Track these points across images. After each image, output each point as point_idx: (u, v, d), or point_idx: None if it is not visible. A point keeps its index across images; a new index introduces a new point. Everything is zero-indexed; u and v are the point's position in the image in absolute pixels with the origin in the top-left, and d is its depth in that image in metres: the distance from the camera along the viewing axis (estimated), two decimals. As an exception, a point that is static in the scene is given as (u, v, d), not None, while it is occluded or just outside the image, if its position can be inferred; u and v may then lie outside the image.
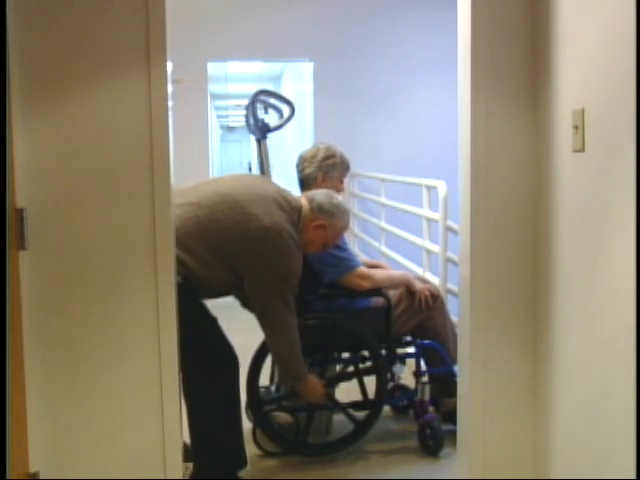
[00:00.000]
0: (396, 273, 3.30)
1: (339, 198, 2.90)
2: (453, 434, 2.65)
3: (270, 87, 10.41)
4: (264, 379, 3.12)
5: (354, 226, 6.35)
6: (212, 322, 2.73)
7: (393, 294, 3.08)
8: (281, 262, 2.59)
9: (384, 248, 5.37)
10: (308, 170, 3.13)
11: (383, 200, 5.51)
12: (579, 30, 1.97)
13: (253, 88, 3.56)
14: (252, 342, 3.05)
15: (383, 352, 3.02)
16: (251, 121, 3.22)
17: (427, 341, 3.11)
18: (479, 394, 2.36)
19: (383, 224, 5.43)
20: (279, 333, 2.68)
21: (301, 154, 3.22)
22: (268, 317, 2.66)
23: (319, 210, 2.75)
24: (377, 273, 3.10)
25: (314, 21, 6.39)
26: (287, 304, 2.63)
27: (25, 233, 2.07)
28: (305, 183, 3.16)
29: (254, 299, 2.66)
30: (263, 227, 2.56)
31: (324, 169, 3.12)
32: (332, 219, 2.77)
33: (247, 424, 3.20)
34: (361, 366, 3.11)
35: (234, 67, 8.49)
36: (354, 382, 3.13)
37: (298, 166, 3.19)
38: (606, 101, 1.82)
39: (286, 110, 3.34)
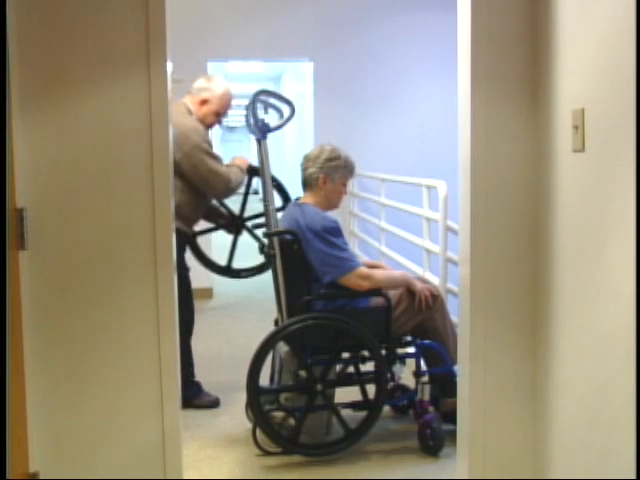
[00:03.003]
0: (396, 273, 3.30)
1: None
2: (453, 434, 2.65)
3: (270, 87, 10.41)
4: (264, 379, 3.12)
5: (354, 226, 6.35)
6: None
7: (393, 294, 3.08)
8: None
9: (384, 248, 5.37)
10: (310, 170, 3.13)
11: (383, 200, 5.50)
12: (579, 30, 1.97)
13: (253, 88, 3.55)
14: (252, 342, 3.06)
15: (383, 352, 3.02)
16: (251, 121, 3.22)
17: (427, 341, 3.11)
18: (479, 394, 2.36)
19: (383, 224, 5.43)
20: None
21: (307, 154, 3.22)
22: None
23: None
24: (377, 273, 3.10)
25: (314, 21, 6.39)
26: None
27: (25, 233, 2.07)
28: (307, 183, 3.16)
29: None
30: None
31: (326, 170, 3.12)
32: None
33: (247, 424, 3.21)
34: (362, 370, 3.11)
35: (234, 67, 8.50)
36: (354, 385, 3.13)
37: (302, 165, 3.19)
38: (606, 101, 1.82)
39: (286, 110, 3.33)
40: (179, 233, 3.46)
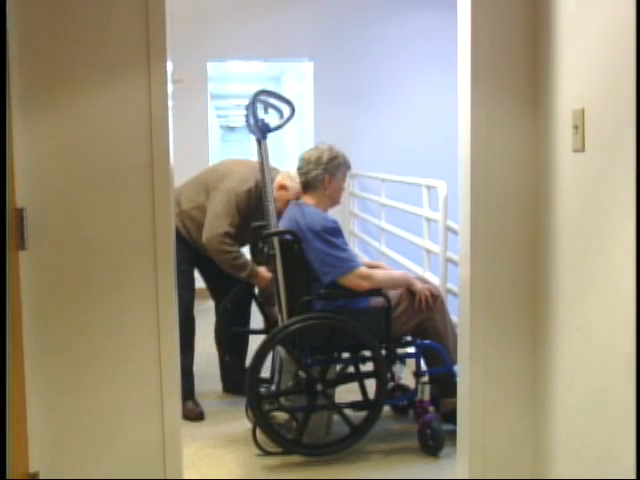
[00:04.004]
0: (396, 273, 3.30)
1: None
2: (453, 434, 2.65)
3: (270, 87, 10.38)
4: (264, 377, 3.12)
5: (354, 226, 6.35)
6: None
7: (393, 294, 3.08)
8: None
9: (384, 248, 5.37)
10: (314, 173, 3.14)
11: (383, 200, 5.50)
12: (579, 30, 1.97)
13: (253, 88, 3.55)
14: (252, 342, 3.06)
15: (383, 352, 3.02)
16: (251, 121, 3.22)
17: (427, 341, 3.11)
18: (479, 394, 2.36)
19: (383, 224, 5.43)
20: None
21: (304, 156, 3.21)
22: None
23: None
24: (377, 273, 3.10)
25: (314, 21, 6.39)
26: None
27: (25, 233, 2.07)
28: (310, 185, 3.16)
29: None
30: None
31: (330, 171, 3.14)
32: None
33: (247, 424, 3.21)
34: (362, 369, 3.11)
35: (234, 67, 8.49)
36: (354, 382, 3.13)
37: (301, 168, 3.18)
38: (606, 101, 1.82)
39: (286, 110, 3.33)
40: (185, 242, 3.46)
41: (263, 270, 3.45)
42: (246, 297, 3.61)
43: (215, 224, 3.41)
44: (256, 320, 3.65)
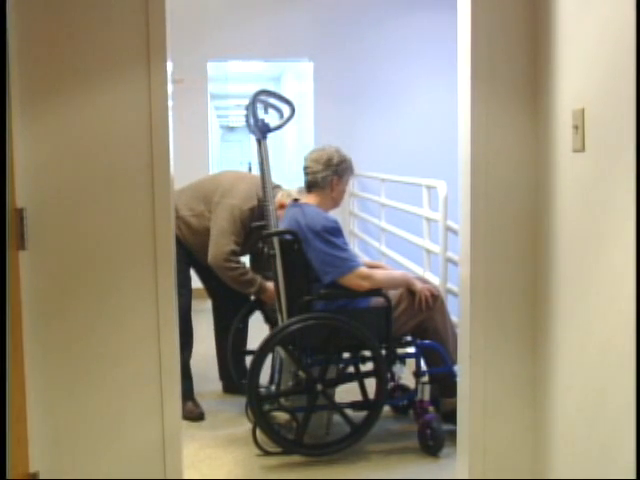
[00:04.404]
0: (396, 273, 3.30)
1: None
2: (453, 434, 2.65)
3: (270, 87, 10.37)
4: (264, 378, 3.12)
5: (354, 226, 6.35)
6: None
7: (393, 294, 3.08)
8: None
9: (384, 248, 5.37)
10: (324, 173, 3.14)
11: (383, 200, 5.50)
12: (579, 30, 1.97)
13: (253, 88, 3.55)
14: (252, 342, 3.05)
15: (383, 352, 3.02)
16: (251, 121, 3.22)
17: (427, 341, 3.11)
18: (479, 394, 2.36)
19: (383, 224, 5.43)
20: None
21: (312, 157, 3.21)
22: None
23: None
24: (378, 273, 3.10)
25: (314, 21, 6.39)
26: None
27: (25, 233, 2.07)
28: (319, 185, 3.16)
29: None
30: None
31: (339, 173, 3.18)
32: None
33: (247, 424, 3.21)
34: (362, 369, 3.11)
35: (234, 67, 8.49)
36: (354, 382, 3.13)
37: (309, 168, 3.18)
38: (606, 101, 1.82)
39: (286, 110, 3.33)
40: (180, 243, 3.45)
41: (272, 285, 3.39)
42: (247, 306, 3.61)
43: (221, 242, 3.40)
44: (254, 329, 3.65)
